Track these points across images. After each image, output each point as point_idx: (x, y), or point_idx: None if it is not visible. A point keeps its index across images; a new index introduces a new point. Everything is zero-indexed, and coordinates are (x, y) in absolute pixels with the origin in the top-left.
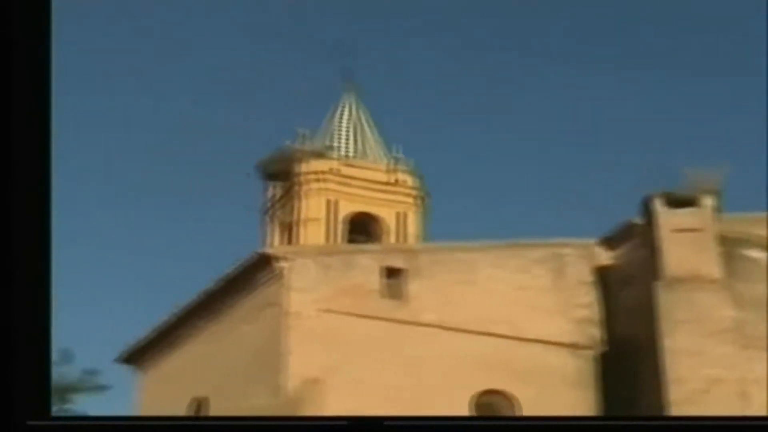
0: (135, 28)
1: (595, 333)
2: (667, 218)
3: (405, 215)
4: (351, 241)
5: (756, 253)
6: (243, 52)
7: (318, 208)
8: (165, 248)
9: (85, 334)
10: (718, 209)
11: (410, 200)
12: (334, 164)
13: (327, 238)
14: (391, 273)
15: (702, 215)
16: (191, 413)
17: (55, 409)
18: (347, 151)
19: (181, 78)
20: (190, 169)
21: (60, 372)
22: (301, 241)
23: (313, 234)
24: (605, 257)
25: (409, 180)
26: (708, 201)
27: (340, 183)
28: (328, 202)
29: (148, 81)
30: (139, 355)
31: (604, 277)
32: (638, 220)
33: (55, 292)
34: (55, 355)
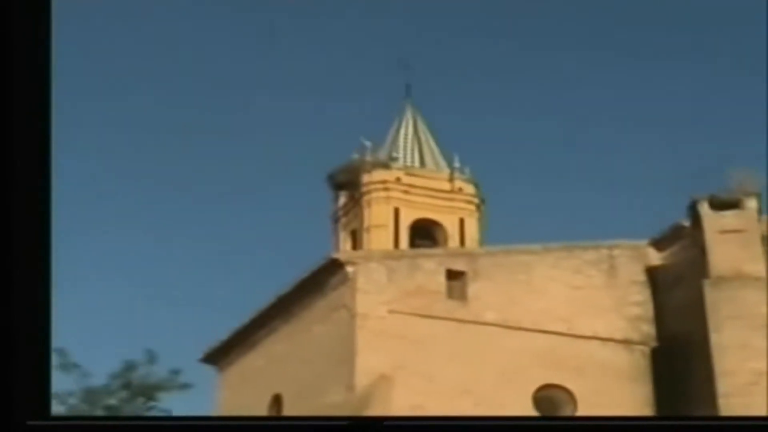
0: (195, 33)
1: (648, 330)
2: (713, 220)
3: (465, 221)
4: (415, 245)
5: None
6: (316, 70)
7: (383, 215)
8: (244, 255)
9: (172, 335)
10: (759, 211)
11: (470, 207)
12: (398, 174)
13: (392, 244)
14: (453, 275)
15: (746, 217)
16: (272, 410)
17: (142, 408)
18: (412, 161)
19: (255, 90)
20: (266, 179)
21: (146, 371)
22: (369, 246)
23: (379, 239)
24: (655, 258)
25: (468, 187)
26: (752, 203)
27: (403, 191)
28: (393, 209)
29: (224, 87)
30: (220, 355)
31: (654, 276)
32: (686, 222)
33: (131, 296)
34: (140, 356)
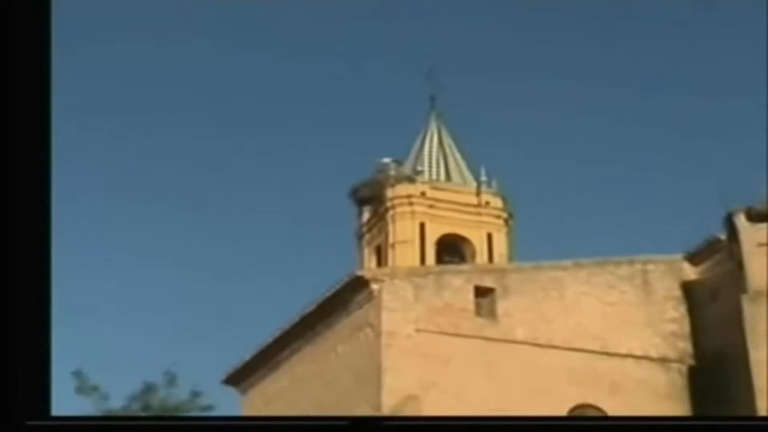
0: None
1: (684, 347)
2: (751, 233)
3: (493, 236)
4: (441, 262)
5: None
6: (341, 83)
7: (408, 231)
8: (265, 274)
9: (193, 357)
10: None
11: (498, 221)
12: (423, 188)
13: (418, 260)
14: (482, 292)
15: None
16: None
17: None
18: (437, 175)
19: (277, 104)
20: (288, 194)
21: (165, 394)
22: (394, 263)
23: (405, 256)
24: (691, 272)
25: (496, 201)
26: None
27: (429, 206)
28: (418, 224)
29: (247, 104)
30: (242, 377)
31: (690, 291)
32: (722, 235)
33: (150, 318)
34: (161, 378)
